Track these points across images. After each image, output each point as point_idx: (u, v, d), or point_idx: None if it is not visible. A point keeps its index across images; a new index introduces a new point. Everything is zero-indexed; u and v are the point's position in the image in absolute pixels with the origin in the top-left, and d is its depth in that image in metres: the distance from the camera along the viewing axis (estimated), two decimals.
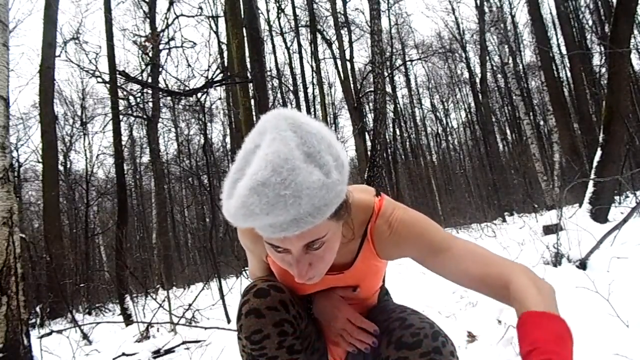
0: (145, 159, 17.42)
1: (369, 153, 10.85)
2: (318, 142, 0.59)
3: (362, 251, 0.83)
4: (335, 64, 16.61)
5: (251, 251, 0.91)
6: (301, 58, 16.32)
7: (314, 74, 16.50)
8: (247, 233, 0.86)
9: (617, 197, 5.08)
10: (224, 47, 13.56)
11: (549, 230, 4.18)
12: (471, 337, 2.11)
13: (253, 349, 0.76)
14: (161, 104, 12.91)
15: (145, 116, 10.98)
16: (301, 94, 17.19)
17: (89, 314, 7.23)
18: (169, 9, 11.16)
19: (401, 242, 0.80)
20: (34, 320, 6.69)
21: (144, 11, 13.49)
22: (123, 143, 10.70)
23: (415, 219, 0.80)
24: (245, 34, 6.02)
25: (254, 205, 0.55)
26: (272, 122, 0.60)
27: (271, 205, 0.55)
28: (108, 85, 7.04)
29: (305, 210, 0.56)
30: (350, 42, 16.49)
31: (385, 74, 10.81)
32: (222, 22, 12.95)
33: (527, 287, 0.67)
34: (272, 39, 16.30)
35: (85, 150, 14.69)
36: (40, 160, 9.95)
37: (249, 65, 6.05)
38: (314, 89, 17.26)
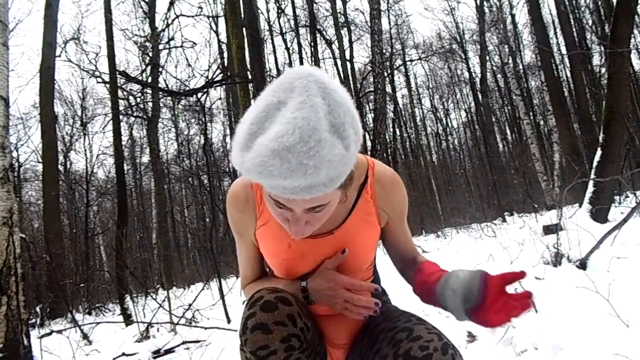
0: (145, 159, 17.41)
1: (369, 153, 10.86)
2: (344, 113, 0.60)
3: (357, 206, 0.84)
4: (335, 64, 16.63)
5: (239, 232, 0.89)
6: (301, 58, 16.31)
7: None
8: (235, 202, 0.85)
9: (617, 197, 5.08)
10: (224, 47, 13.56)
11: (549, 230, 4.18)
12: (471, 337, 2.11)
13: None
14: (161, 104, 12.91)
15: (145, 116, 10.97)
16: None
17: (89, 314, 7.23)
18: (169, 9, 11.15)
19: (392, 200, 0.87)
20: (34, 320, 6.70)
21: (144, 11, 13.48)
22: (123, 143, 10.70)
23: (402, 183, 0.89)
24: (245, 34, 6.01)
25: (273, 167, 0.56)
26: (302, 82, 0.59)
27: (291, 171, 0.56)
28: (108, 85, 7.05)
29: (321, 180, 0.58)
30: (350, 42, 16.50)
31: (385, 74, 10.81)
32: (222, 22, 12.96)
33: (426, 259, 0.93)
34: (272, 39, 16.30)
35: (85, 150, 14.70)
36: (40, 160, 9.95)
37: (249, 66, 6.04)
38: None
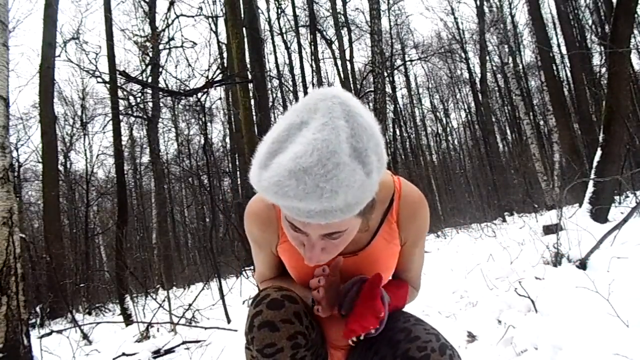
0: (145, 159, 17.42)
1: None
2: (368, 138, 0.58)
3: (382, 230, 0.83)
4: (335, 64, 16.63)
5: (258, 243, 0.88)
6: (301, 58, 16.32)
7: (314, 74, 16.51)
8: (257, 221, 0.84)
9: (617, 197, 5.08)
10: (224, 47, 13.56)
11: (549, 230, 4.18)
12: (471, 337, 2.11)
13: None
14: (161, 104, 12.90)
15: (145, 116, 10.97)
16: (301, 94, 17.19)
17: (89, 314, 7.23)
18: (169, 9, 11.14)
19: (412, 227, 0.85)
20: (34, 320, 6.70)
21: (144, 11, 13.48)
22: (123, 143, 10.70)
23: (427, 208, 0.87)
24: (245, 34, 6.02)
25: (289, 188, 0.54)
26: (327, 104, 0.57)
27: (307, 193, 0.54)
28: (108, 85, 7.03)
29: (337, 205, 0.56)
30: (350, 42, 16.50)
31: (385, 74, 10.81)
32: (222, 22, 12.96)
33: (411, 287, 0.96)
34: (272, 39, 16.31)
35: (85, 150, 14.69)
36: (40, 160, 9.94)
37: (249, 66, 6.05)
38: (313, 89, 17.20)
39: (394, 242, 0.84)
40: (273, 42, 16.39)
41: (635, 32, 13.48)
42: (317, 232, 0.64)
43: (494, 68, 17.21)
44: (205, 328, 3.28)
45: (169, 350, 2.98)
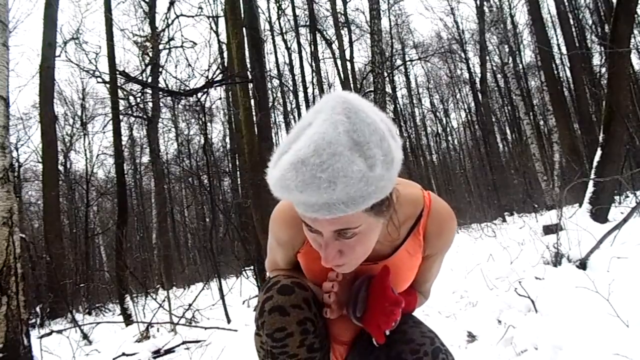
0: (145, 159, 17.40)
1: None
2: (370, 133, 0.58)
3: (407, 243, 0.83)
4: (335, 64, 16.62)
5: (281, 244, 0.89)
6: (301, 58, 16.31)
7: (314, 74, 16.50)
8: (286, 227, 0.84)
9: (617, 197, 5.08)
10: (224, 47, 13.55)
11: (549, 230, 4.18)
12: (471, 337, 2.11)
13: (274, 347, 0.76)
14: (161, 104, 12.90)
15: (145, 116, 10.97)
16: (301, 94, 17.20)
17: (89, 314, 7.23)
18: (169, 9, 11.14)
19: (437, 243, 0.84)
20: (34, 320, 6.69)
21: (144, 11, 13.48)
22: (123, 143, 10.70)
23: (454, 225, 0.86)
24: (245, 34, 6.02)
25: (290, 180, 0.56)
26: (330, 103, 0.60)
27: (305, 184, 0.55)
28: (108, 85, 7.02)
29: (339, 198, 0.56)
30: (351, 42, 16.49)
31: (385, 74, 10.81)
32: (222, 22, 12.95)
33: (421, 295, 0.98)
34: (272, 39, 16.30)
35: (85, 150, 14.67)
36: (40, 160, 9.94)
37: (249, 66, 6.05)
38: (313, 89, 17.22)
39: (416, 256, 0.85)
40: (273, 42, 16.38)
41: (635, 32, 13.47)
42: (327, 228, 0.64)
43: (494, 68, 17.20)
44: (205, 328, 3.28)
45: (169, 350, 2.98)
